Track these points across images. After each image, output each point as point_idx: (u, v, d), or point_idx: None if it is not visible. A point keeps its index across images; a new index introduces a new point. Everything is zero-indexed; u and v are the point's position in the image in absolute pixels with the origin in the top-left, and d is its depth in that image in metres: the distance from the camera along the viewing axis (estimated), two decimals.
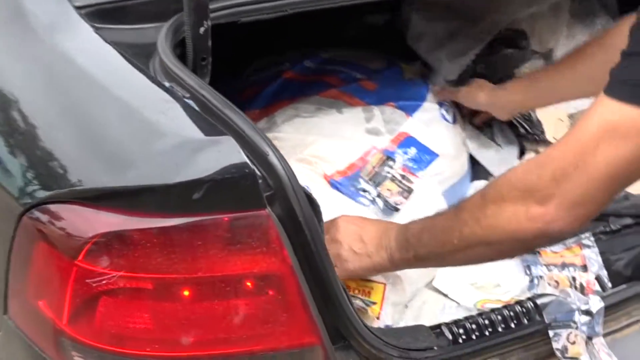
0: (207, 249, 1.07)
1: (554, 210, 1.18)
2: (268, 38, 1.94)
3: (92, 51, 1.30)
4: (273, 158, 1.12)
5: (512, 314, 1.42)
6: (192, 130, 1.10)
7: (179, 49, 1.34)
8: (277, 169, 1.12)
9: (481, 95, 1.88)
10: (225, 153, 1.05)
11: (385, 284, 1.46)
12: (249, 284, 1.09)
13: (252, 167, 1.04)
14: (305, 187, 1.16)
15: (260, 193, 1.06)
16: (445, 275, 1.65)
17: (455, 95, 1.93)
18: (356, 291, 1.48)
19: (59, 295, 1.11)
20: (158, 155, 1.07)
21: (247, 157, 1.07)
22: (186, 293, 1.08)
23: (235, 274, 1.08)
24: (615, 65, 1.20)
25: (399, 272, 1.52)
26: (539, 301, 1.45)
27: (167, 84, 1.19)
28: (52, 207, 1.12)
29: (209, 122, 1.11)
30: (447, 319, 1.54)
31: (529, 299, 1.46)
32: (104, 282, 1.07)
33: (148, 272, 1.07)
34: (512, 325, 1.40)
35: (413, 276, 1.57)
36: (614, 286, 1.64)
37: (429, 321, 1.51)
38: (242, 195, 1.06)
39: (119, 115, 1.16)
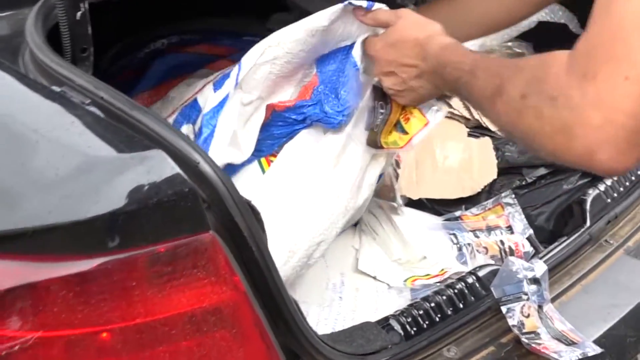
0: (143, 290, 0.87)
1: (604, 152, 0.90)
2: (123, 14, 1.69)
3: None
4: (205, 166, 0.93)
5: (456, 291, 1.32)
6: (108, 146, 0.87)
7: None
8: (211, 179, 0.93)
9: None
10: (156, 171, 0.84)
11: (427, 122, 1.32)
12: (198, 321, 0.90)
13: (192, 184, 0.85)
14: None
15: (203, 213, 0.87)
16: (368, 257, 1.53)
17: None
18: (400, 113, 1.35)
19: None
20: (67, 182, 0.85)
21: None
22: (124, 345, 0.88)
23: (181, 313, 0.90)
24: None
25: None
26: (480, 273, 1.36)
27: (56, 89, 0.95)
28: None
29: (127, 134, 0.89)
30: (384, 305, 1.43)
31: (470, 272, 1.36)
32: (16, 347, 0.86)
33: (73, 328, 0.86)
34: (461, 306, 1.30)
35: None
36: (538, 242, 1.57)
37: (366, 310, 1.40)
38: (181, 218, 0.86)
39: None
